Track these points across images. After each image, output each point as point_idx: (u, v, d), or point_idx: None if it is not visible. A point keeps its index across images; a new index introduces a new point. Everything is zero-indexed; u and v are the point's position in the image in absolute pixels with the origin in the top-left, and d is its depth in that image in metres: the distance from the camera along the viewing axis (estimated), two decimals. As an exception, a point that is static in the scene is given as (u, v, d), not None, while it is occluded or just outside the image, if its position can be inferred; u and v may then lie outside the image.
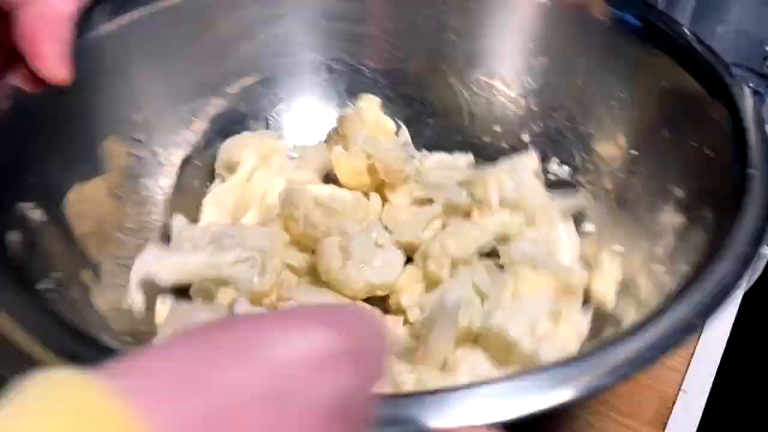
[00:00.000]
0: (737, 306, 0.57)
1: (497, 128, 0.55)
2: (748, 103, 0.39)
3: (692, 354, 0.51)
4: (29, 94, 0.39)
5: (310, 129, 0.57)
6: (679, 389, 0.49)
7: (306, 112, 0.57)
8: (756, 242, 0.32)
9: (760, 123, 0.38)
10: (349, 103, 0.56)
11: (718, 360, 0.53)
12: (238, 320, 0.21)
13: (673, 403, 0.48)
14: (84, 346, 0.30)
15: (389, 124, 0.55)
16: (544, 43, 0.51)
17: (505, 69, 0.54)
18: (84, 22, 0.42)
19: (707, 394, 0.50)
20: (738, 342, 0.57)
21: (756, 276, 0.68)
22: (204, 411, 0.18)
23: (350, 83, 0.56)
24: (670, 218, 0.42)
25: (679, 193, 0.42)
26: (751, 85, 0.80)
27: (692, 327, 0.30)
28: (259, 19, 0.52)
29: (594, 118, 0.50)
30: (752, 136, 0.37)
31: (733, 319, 0.56)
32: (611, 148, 0.49)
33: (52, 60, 0.37)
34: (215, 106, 0.53)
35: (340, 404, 0.21)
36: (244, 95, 0.54)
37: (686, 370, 0.50)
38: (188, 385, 0.18)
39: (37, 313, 0.31)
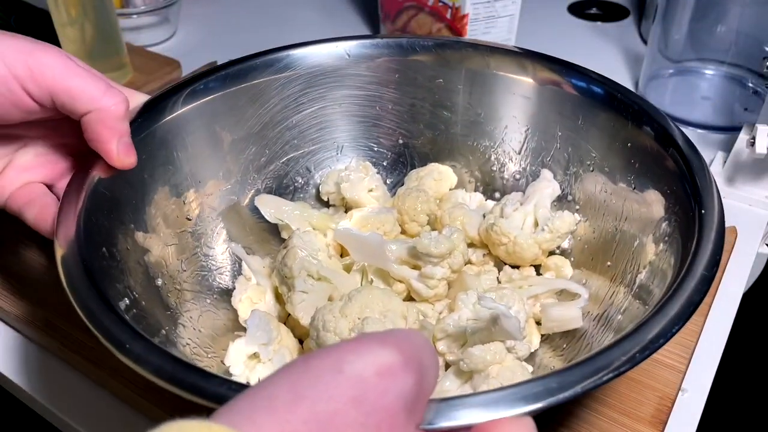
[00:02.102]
0: (737, 306, 0.57)
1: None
2: (694, 152, 0.46)
3: (692, 353, 0.52)
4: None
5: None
6: (679, 389, 0.49)
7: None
8: (712, 267, 0.39)
9: (706, 169, 0.45)
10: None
11: (718, 359, 0.53)
12: (325, 348, 0.28)
13: (673, 402, 0.48)
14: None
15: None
16: (528, 113, 0.59)
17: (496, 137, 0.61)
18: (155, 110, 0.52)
19: (707, 394, 0.50)
20: (738, 341, 0.57)
21: (756, 276, 0.68)
22: (311, 418, 0.24)
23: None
24: (643, 248, 0.48)
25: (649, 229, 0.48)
26: (751, 84, 0.80)
27: (669, 332, 0.35)
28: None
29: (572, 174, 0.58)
30: (701, 181, 0.44)
31: (733, 319, 0.56)
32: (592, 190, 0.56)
33: (117, 153, 0.45)
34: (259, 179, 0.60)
35: (405, 405, 0.27)
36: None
37: (686, 370, 0.50)
38: (291, 406, 0.25)
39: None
